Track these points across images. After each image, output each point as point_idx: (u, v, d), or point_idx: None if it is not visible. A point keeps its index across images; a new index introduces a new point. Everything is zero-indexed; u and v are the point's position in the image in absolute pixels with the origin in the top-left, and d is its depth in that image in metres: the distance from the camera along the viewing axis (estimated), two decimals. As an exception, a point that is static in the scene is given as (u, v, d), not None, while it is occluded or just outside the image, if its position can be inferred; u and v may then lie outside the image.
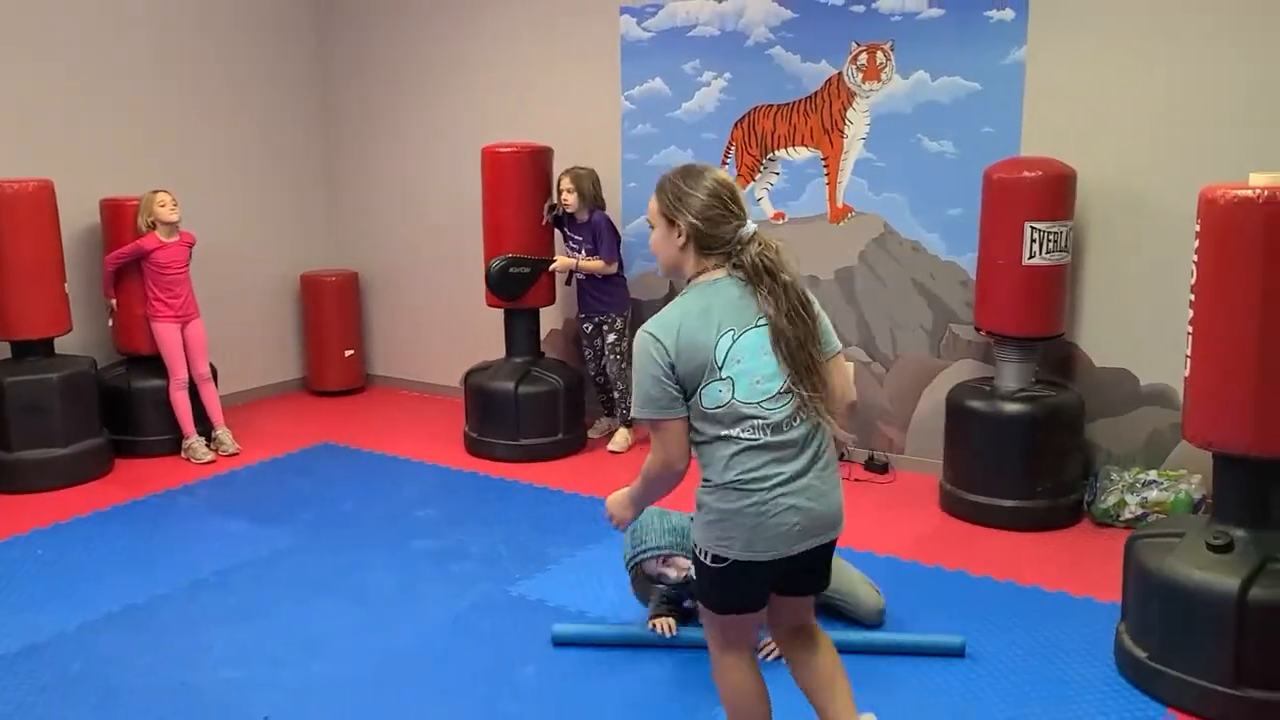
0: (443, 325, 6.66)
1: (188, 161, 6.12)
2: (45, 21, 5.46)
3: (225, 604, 3.80)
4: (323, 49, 6.83)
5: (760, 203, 5.44)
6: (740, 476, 2.29)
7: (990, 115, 4.75)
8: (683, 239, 2.37)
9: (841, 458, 5.24)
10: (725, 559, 2.34)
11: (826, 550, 2.44)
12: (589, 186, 5.35)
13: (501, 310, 5.59)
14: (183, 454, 5.44)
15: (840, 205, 5.21)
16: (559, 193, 5.37)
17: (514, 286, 5.38)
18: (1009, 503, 4.38)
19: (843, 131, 5.14)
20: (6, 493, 4.91)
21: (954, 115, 4.85)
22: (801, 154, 5.29)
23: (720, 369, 2.28)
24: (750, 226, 2.39)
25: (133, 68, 5.86)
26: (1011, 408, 4.37)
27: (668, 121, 5.63)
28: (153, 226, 5.28)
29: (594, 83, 5.81)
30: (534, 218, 5.42)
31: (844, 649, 2.79)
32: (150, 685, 3.23)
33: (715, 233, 2.36)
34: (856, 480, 5.02)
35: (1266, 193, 2.81)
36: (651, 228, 2.45)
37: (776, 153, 5.35)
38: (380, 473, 5.28)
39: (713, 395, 2.29)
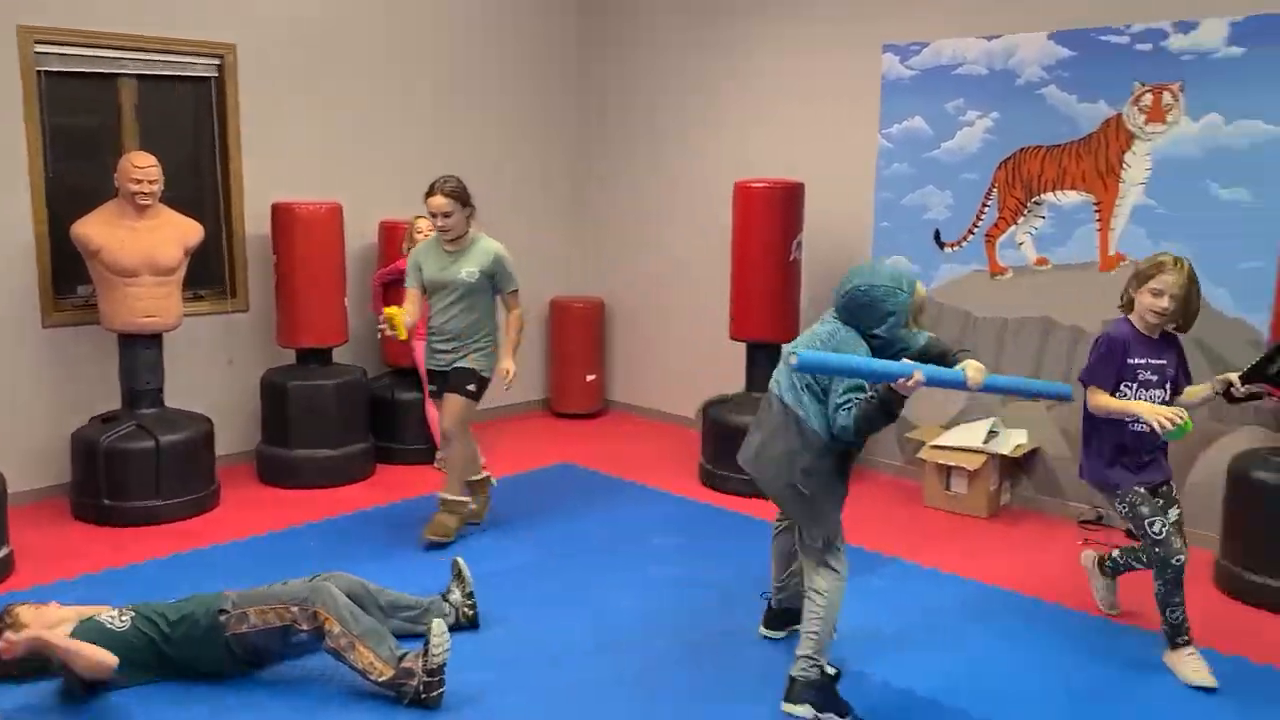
0: (682, 355, 6.75)
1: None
2: (337, 65, 5.97)
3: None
4: (583, 80, 7.12)
5: (1022, 247, 5.20)
6: None
7: (1294, 161, 4.35)
8: None
9: (1099, 520, 4.93)
10: None
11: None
12: None
13: (744, 344, 5.59)
14: (435, 464, 5.74)
15: (1113, 253, 4.90)
16: None
17: None
18: (1301, 587, 3.95)
19: (1119, 175, 4.85)
20: (285, 487, 5.35)
21: (1251, 161, 4.47)
22: (1070, 198, 5.02)
23: None
24: None
25: (412, 102, 6.31)
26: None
27: (926, 161, 5.49)
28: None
29: (851, 119, 5.76)
30: (782, 253, 5.40)
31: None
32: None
33: None
34: (1114, 547, 4.66)
35: None
36: None
37: (1043, 196, 5.11)
38: (618, 496, 5.38)
39: None
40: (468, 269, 4.56)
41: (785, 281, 5.45)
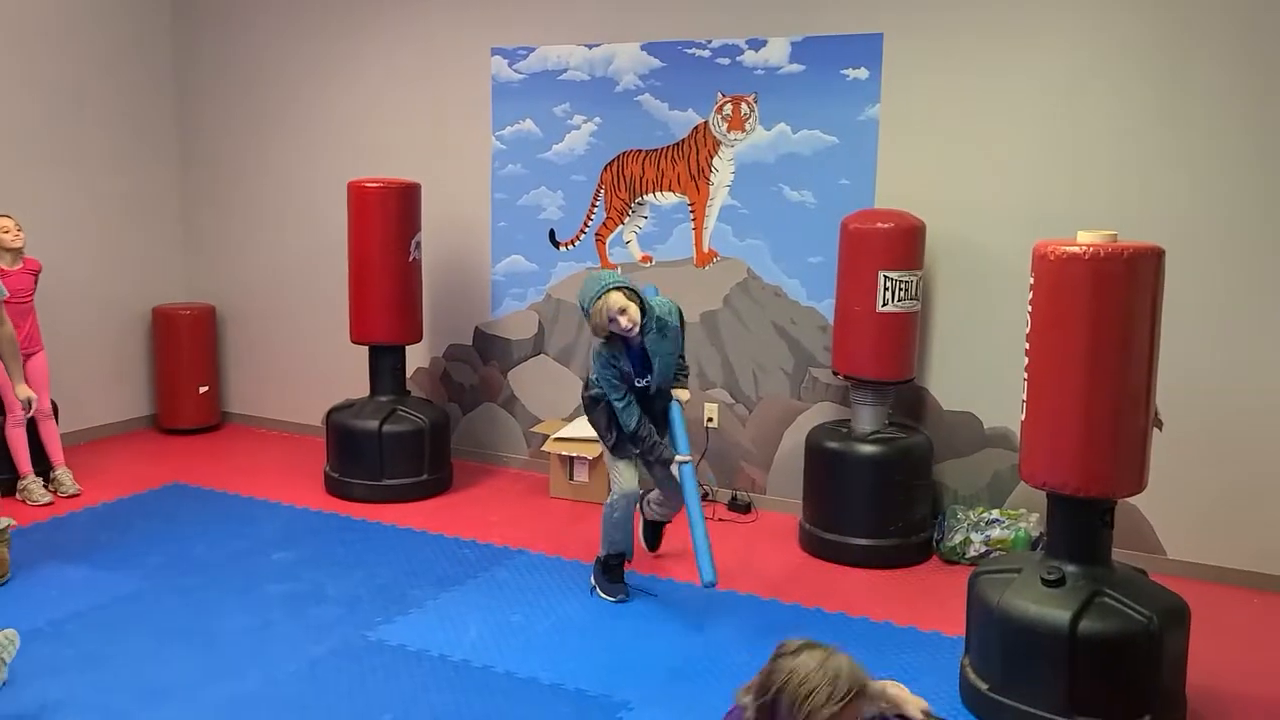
0: (304, 362, 6.50)
1: (31, 186, 5.83)
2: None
3: (62, 655, 3.59)
4: (179, 71, 6.63)
5: (629, 245, 5.52)
6: None
7: (847, 168, 4.96)
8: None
9: (705, 498, 5.35)
10: None
11: None
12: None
13: (365, 347, 5.50)
14: (17, 495, 5.14)
15: (706, 250, 5.34)
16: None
17: None
18: (863, 541, 4.54)
19: (709, 178, 5.29)
20: None
21: (814, 167, 5.05)
22: (669, 199, 5.41)
23: None
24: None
25: (-26, 88, 5.58)
26: (866, 449, 4.54)
27: (538, 163, 5.67)
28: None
29: (465, 120, 5.82)
30: (400, 253, 5.36)
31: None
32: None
33: None
34: (721, 520, 5.11)
35: (1092, 249, 3.02)
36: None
37: (645, 197, 5.46)
38: (235, 514, 5.10)
39: None
40: None
41: (405, 282, 5.41)
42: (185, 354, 6.49)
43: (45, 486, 5.21)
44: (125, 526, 4.86)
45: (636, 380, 3.98)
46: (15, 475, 5.16)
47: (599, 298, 3.81)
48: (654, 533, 4.57)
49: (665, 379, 4.07)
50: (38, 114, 5.90)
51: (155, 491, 5.40)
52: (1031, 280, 3.19)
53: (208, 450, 6.25)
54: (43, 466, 5.28)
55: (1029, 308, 3.20)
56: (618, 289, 3.83)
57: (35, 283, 5.20)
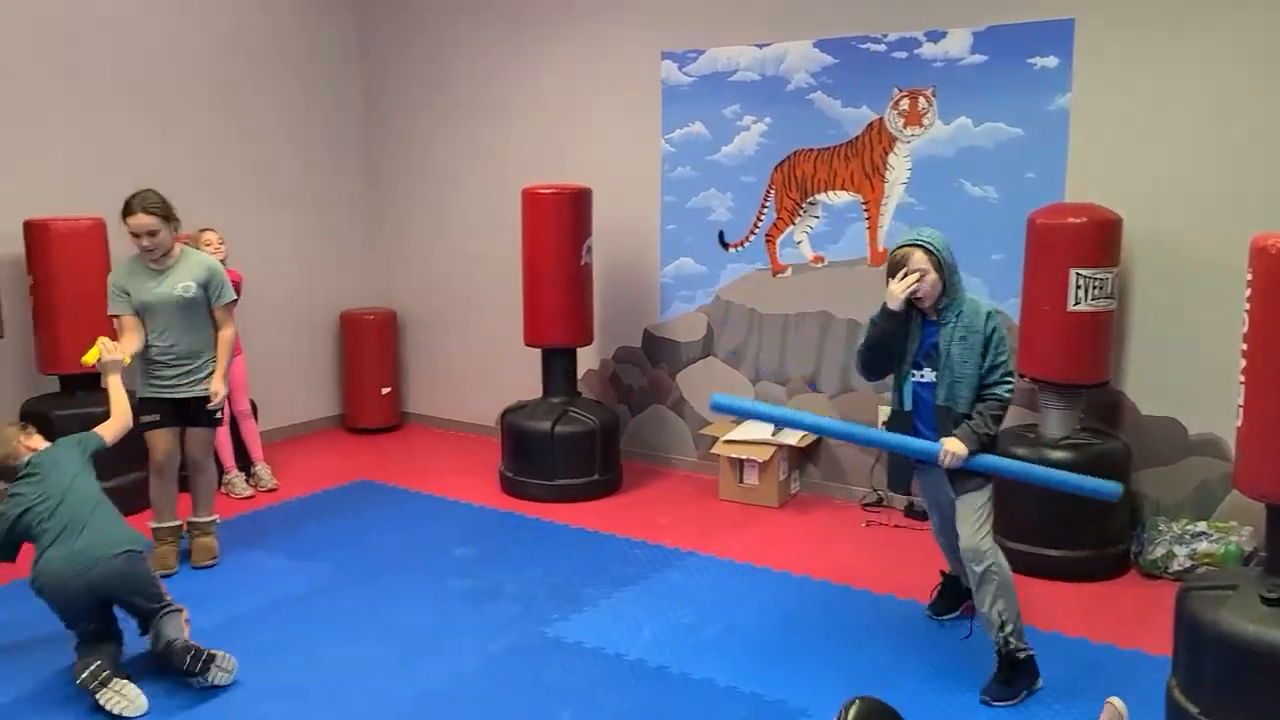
0: (479, 364, 6.69)
1: (237, 200, 6.23)
2: (110, 73, 5.59)
3: (263, 639, 3.80)
4: (366, 86, 6.95)
5: (799, 246, 5.44)
6: None
7: (1033, 161, 4.74)
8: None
9: (879, 503, 5.21)
10: None
11: None
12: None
13: (538, 350, 5.61)
14: (222, 488, 5.48)
15: (881, 249, 5.20)
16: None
17: None
18: (1053, 552, 4.31)
19: (884, 176, 5.15)
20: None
21: (997, 160, 4.84)
22: (842, 198, 5.29)
23: None
24: None
25: (182, 109, 5.98)
26: (1055, 455, 4.30)
27: (707, 165, 5.66)
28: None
29: (636, 125, 5.87)
30: (572, 258, 5.44)
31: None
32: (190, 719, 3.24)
33: None
34: (897, 526, 4.96)
35: (1321, 241, 2.76)
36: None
37: (817, 196, 5.36)
38: (417, 510, 5.28)
39: None
40: (183, 284, 4.33)
41: (577, 286, 5.50)
42: (369, 357, 6.79)
43: (247, 481, 5.55)
44: (318, 520, 5.11)
45: (913, 366, 3.45)
46: (221, 470, 5.51)
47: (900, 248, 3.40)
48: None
49: (953, 399, 3.39)
50: (234, 133, 6.28)
51: (344, 488, 5.66)
52: (1249, 276, 2.94)
53: (390, 449, 6.51)
54: (244, 462, 5.61)
55: (1246, 305, 2.95)
56: (919, 246, 3.36)
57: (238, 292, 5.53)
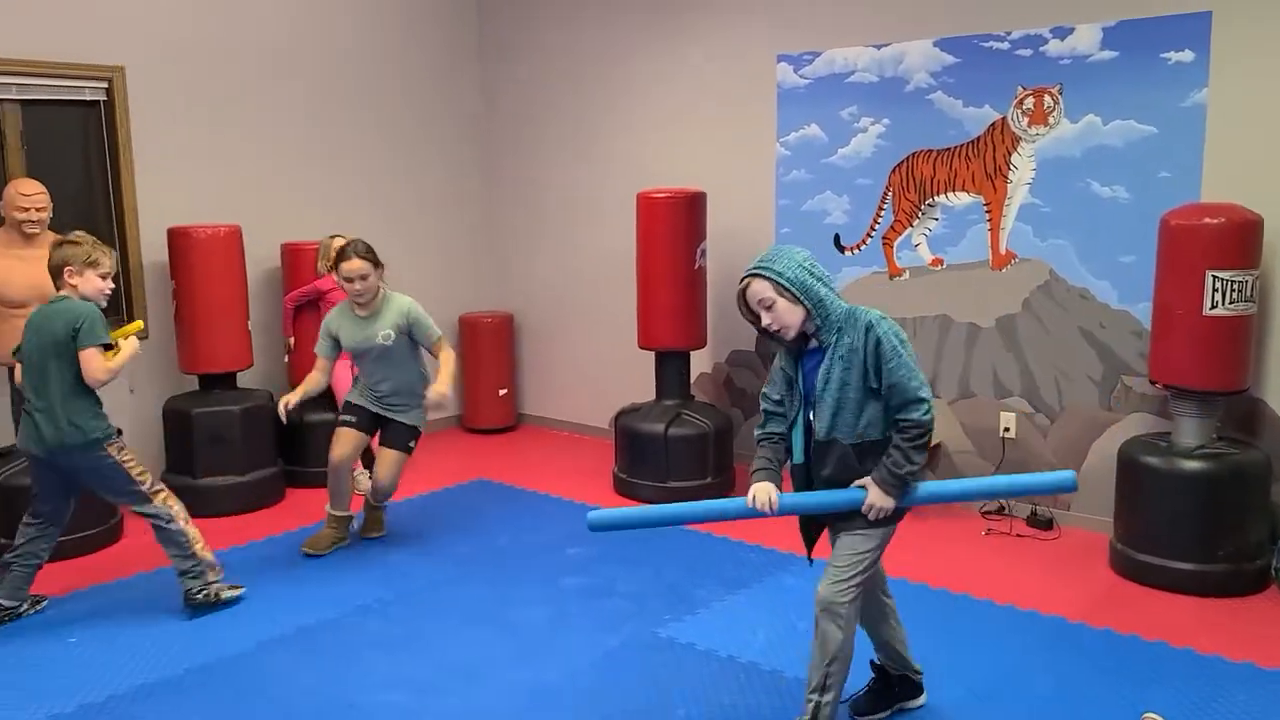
0: (594, 366, 6.78)
1: (359, 207, 6.45)
2: (231, 85, 5.88)
3: (388, 630, 3.93)
4: (486, 97, 7.12)
5: (918, 248, 5.35)
6: None
7: (1167, 159, 4.56)
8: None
9: (1001, 511, 5.08)
10: None
11: None
12: None
13: (651, 353, 5.65)
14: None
15: (1004, 251, 5.07)
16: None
17: None
18: (1187, 566, 4.14)
19: (1007, 176, 5.03)
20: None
21: (1127, 159, 4.67)
22: (962, 199, 5.18)
23: None
24: None
25: (312, 124, 6.24)
26: (1190, 465, 4.13)
27: (823, 167, 5.61)
28: (331, 269, 5.57)
29: (750, 128, 5.86)
30: (686, 262, 5.47)
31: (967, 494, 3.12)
32: (318, 705, 3.37)
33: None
34: (1019, 536, 4.83)
35: None
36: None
37: (936, 198, 5.27)
38: (532, 509, 5.38)
39: None
40: (384, 332, 4.62)
41: (691, 289, 5.52)
42: (486, 359, 6.95)
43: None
44: (438, 517, 5.25)
45: (805, 406, 2.93)
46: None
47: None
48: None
49: (835, 428, 2.85)
50: (361, 146, 6.51)
51: (463, 486, 5.81)
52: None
53: (506, 449, 6.64)
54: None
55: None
56: (758, 275, 2.87)
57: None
